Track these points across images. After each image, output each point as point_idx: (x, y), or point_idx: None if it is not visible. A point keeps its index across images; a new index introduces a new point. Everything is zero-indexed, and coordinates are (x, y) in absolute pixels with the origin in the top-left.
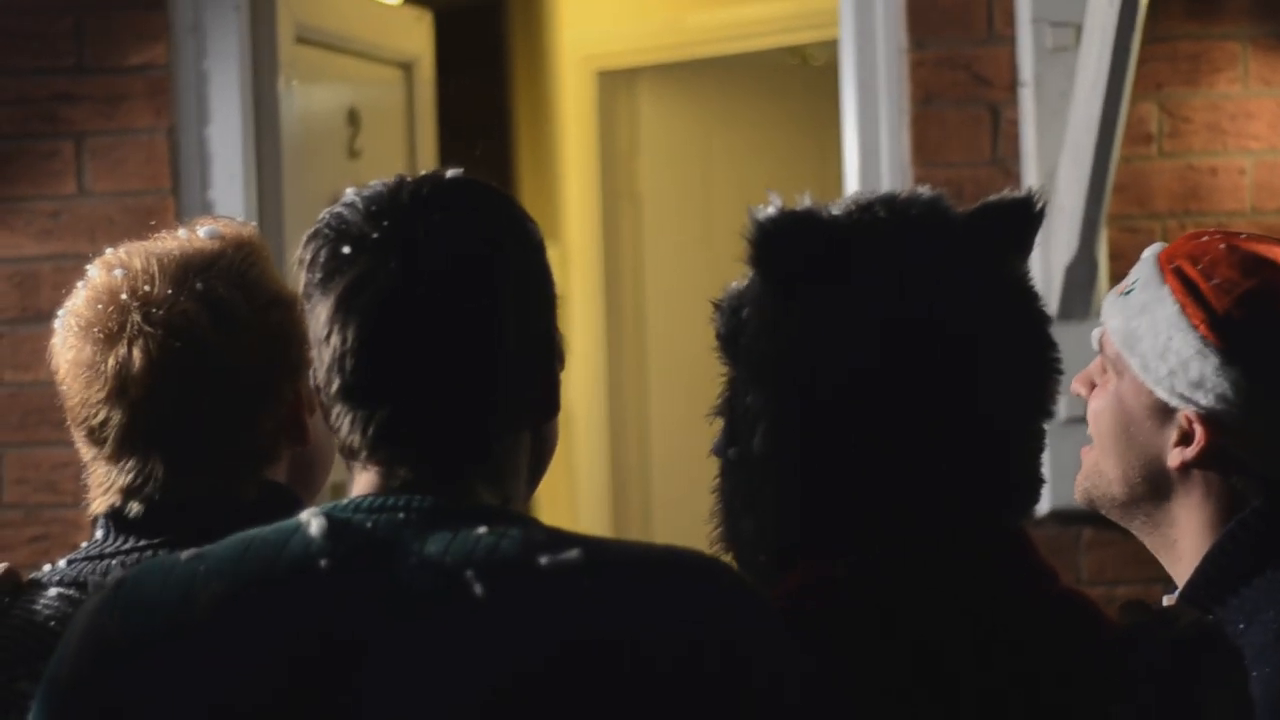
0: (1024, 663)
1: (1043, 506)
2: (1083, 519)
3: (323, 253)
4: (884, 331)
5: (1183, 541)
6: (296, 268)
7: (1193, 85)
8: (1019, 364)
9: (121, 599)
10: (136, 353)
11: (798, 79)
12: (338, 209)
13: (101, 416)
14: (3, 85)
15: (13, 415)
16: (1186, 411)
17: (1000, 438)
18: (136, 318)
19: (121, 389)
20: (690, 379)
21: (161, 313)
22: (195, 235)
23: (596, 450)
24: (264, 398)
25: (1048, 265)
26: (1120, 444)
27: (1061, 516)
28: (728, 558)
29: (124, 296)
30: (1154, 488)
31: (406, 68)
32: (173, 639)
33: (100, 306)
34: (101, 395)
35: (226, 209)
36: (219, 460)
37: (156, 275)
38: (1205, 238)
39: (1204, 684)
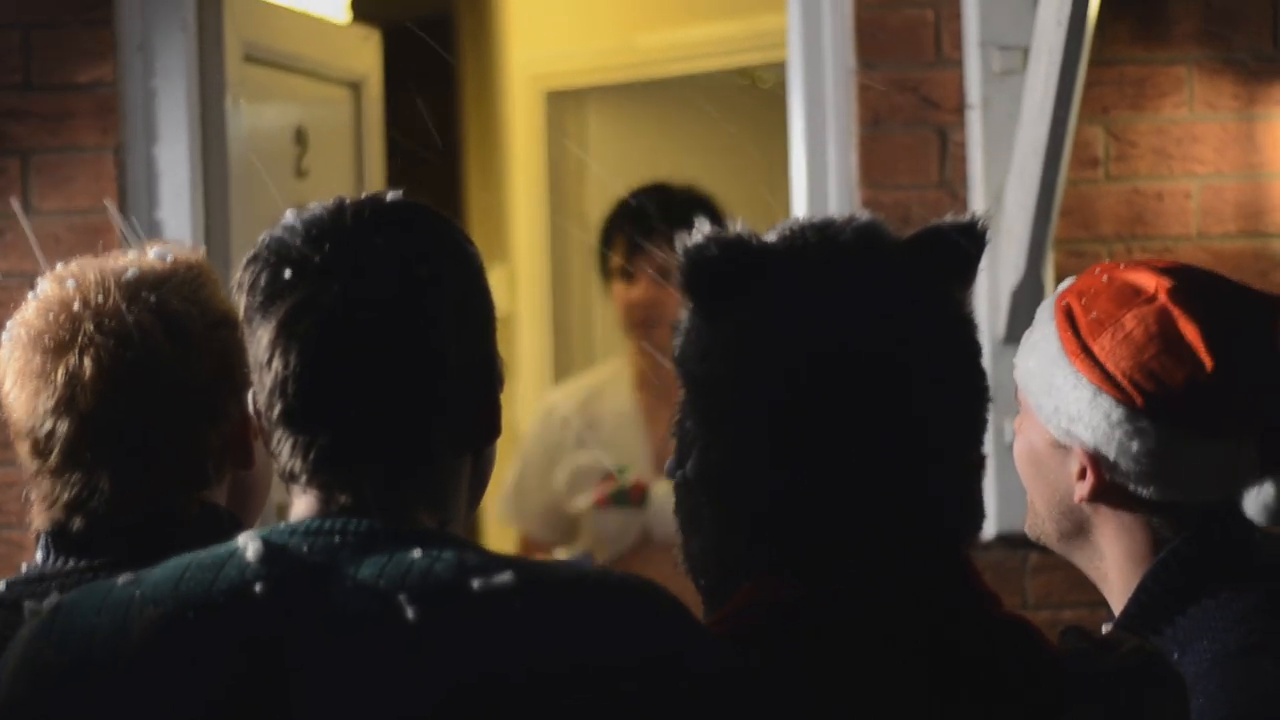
0: (970, 686)
1: (989, 531)
2: (1029, 544)
3: (263, 276)
4: (804, 358)
5: (1111, 575)
6: (236, 291)
7: (1139, 109)
8: (951, 392)
9: (58, 625)
10: (88, 361)
11: (747, 100)
12: (278, 232)
13: (48, 427)
14: None
15: None
16: (1076, 448)
17: (936, 464)
18: (89, 327)
19: (71, 399)
20: None
21: (114, 323)
22: (146, 255)
23: None
24: (212, 414)
25: (995, 288)
26: (1036, 483)
27: (1008, 540)
28: (688, 577)
29: (76, 307)
30: (1074, 524)
31: (354, 87)
32: (109, 665)
33: (51, 316)
34: (49, 405)
35: (174, 227)
36: (165, 476)
37: (109, 288)
38: (1097, 271)
39: (1147, 711)
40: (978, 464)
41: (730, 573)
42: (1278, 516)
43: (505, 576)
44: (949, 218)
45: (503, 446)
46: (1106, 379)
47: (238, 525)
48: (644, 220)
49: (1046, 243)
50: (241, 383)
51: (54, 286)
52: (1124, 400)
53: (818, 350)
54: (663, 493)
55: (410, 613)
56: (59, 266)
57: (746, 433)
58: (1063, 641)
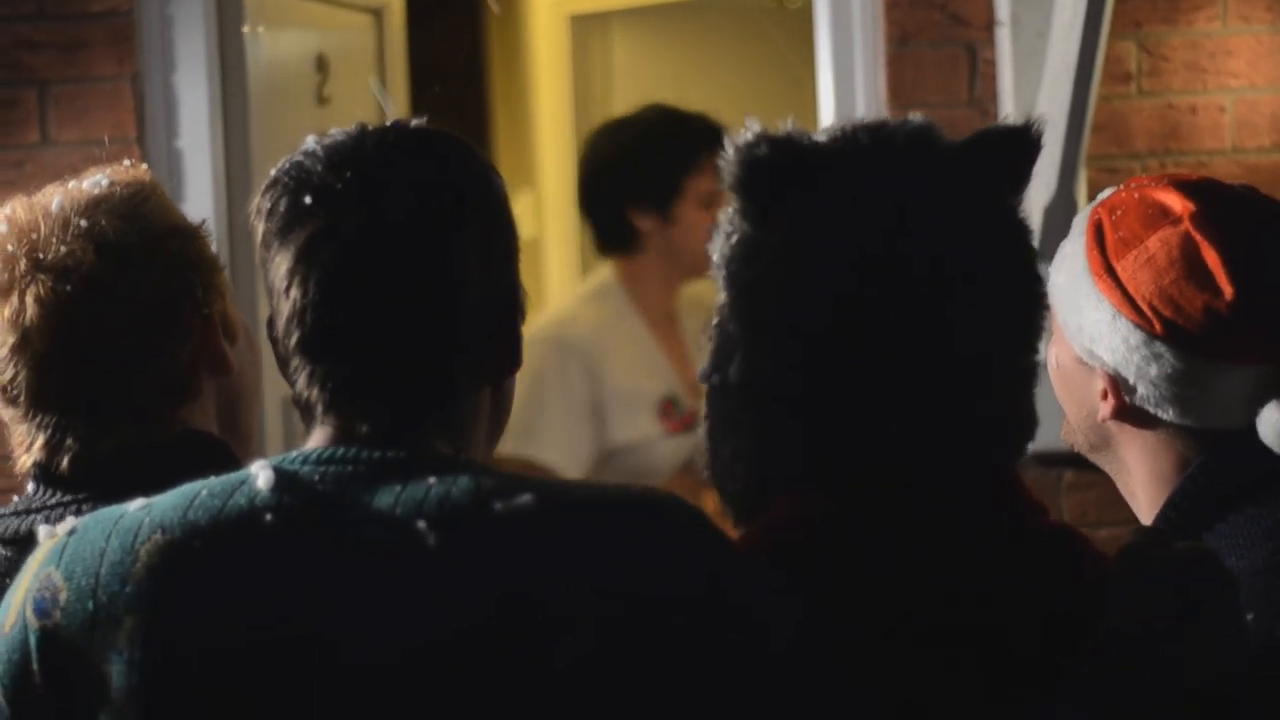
0: (1003, 599)
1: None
2: (1064, 461)
3: (282, 202)
4: (859, 259)
5: (1138, 491)
6: (254, 216)
7: (1171, 24)
8: (1003, 299)
9: (66, 551)
10: (29, 301)
11: (773, 22)
12: (298, 157)
13: (10, 373)
14: None
15: None
16: (1098, 368)
17: (984, 373)
18: (24, 265)
19: (23, 341)
20: None
21: (48, 257)
22: (81, 183)
23: None
24: (173, 329)
25: (1028, 205)
26: (1066, 398)
27: (1043, 459)
28: (714, 486)
29: (10, 248)
30: (1102, 439)
31: (376, 13)
32: (115, 593)
33: None
34: (4, 351)
35: (193, 157)
36: (136, 400)
37: (40, 222)
38: (1131, 185)
39: (1199, 601)
40: (1031, 370)
41: (762, 479)
42: None
43: (525, 498)
44: (1002, 122)
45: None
46: (1127, 301)
47: (226, 450)
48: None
49: (1078, 159)
50: (203, 292)
51: None
52: (1143, 325)
53: (870, 254)
54: None
55: (431, 538)
56: None
57: (793, 337)
58: (1127, 539)
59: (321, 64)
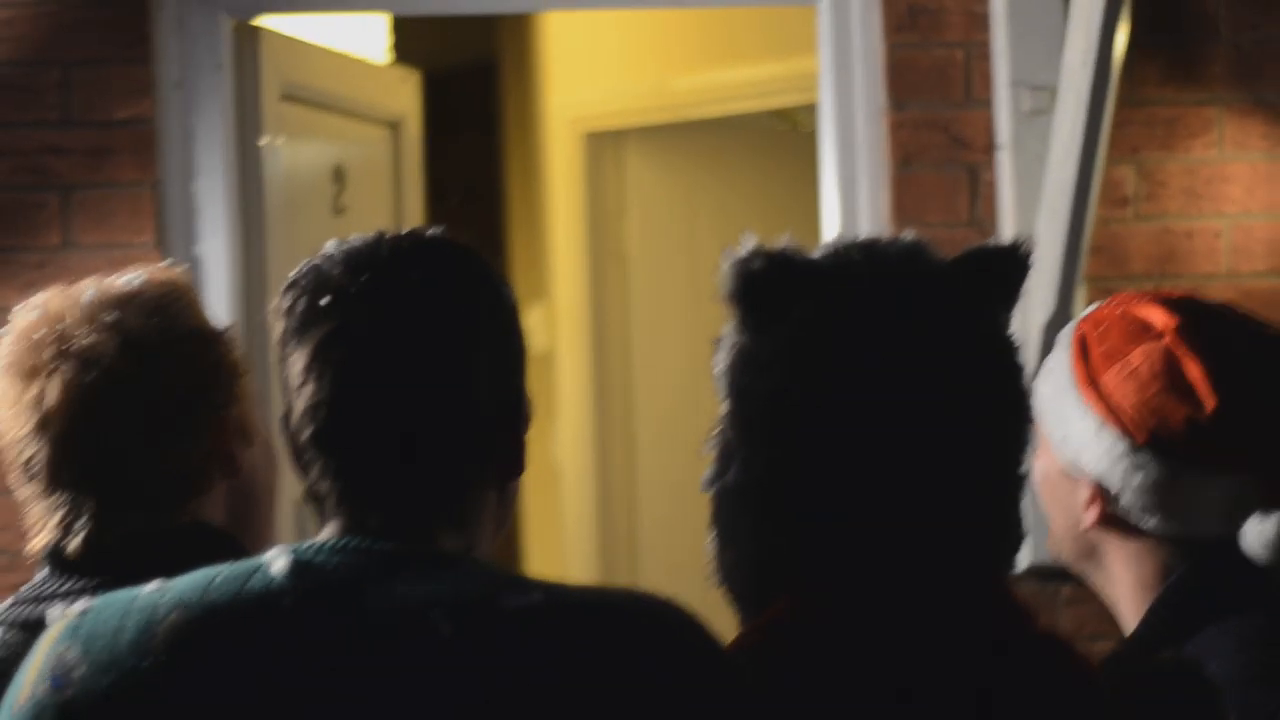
0: (1001, 705)
1: (1022, 562)
2: (1062, 576)
3: (300, 302)
4: (848, 375)
5: (1123, 601)
6: (273, 315)
7: (1169, 149)
8: (992, 414)
9: (84, 626)
10: (53, 386)
11: (785, 143)
12: (317, 260)
13: (30, 452)
14: None
15: None
16: (1083, 477)
17: (971, 484)
18: (52, 352)
19: (43, 423)
20: (677, 435)
21: (74, 347)
22: (116, 279)
23: (585, 506)
24: (188, 428)
25: (1025, 324)
26: (1051, 508)
27: (1041, 573)
28: (720, 589)
29: (41, 333)
30: (1086, 549)
31: (393, 126)
32: (132, 669)
33: (22, 345)
34: (27, 430)
35: (212, 263)
36: (148, 489)
37: (70, 313)
38: (1114, 302)
39: (1183, 713)
40: (1017, 483)
41: (764, 583)
42: (1277, 551)
43: (535, 595)
44: (992, 241)
45: (542, 484)
46: (1111, 413)
47: (229, 538)
48: None
49: (1076, 279)
50: (219, 396)
51: (24, 315)
52: (1127, 435)
53: (861, 368)
54: None
55: (445, 628)
56: (33, 297)
57: (789, 446)
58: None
59: (339, 175)
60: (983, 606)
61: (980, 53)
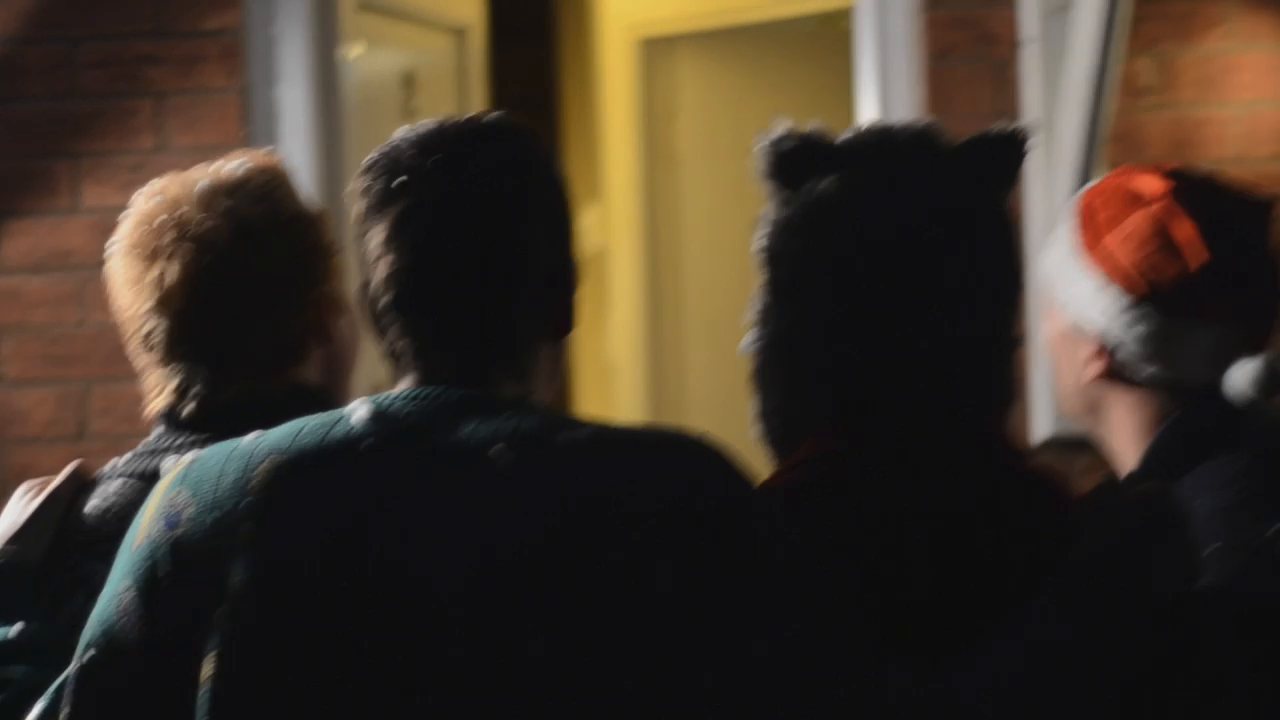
0: (984, 533)
1: (1042, 433)
2: (1080, 447)
3: (378, 182)
4: (861, 242)
5: (1123, 446)
6: (351, 198)
7: (1184, 41)
8: (987, 277)
9: (191, 473)
10: (172, 268)
11: (829, 47)
12: (389, 146)
13: (149, 326)
14: (91, 48)
15: (98, 353)
16: (1086, 334)
17: (968, 342)
18: (172, 235)
19: (164, 301)
20: (726, 329)
21: (191, 231)
22: (223, 165)
23: (636, 398)
24: (291, 302)
25: (1050, 209)
26: (1060, 367)
27: (1060, 444)
28: (758, 435)
29: (162, 219)
30: (1090, 402)
31: (459, 34)
32: (233, 504)
33: (143, 229)
34: (148, 307)
35: (294, 163)
36: (255, 357)
37: (189, 199)
38: (1113, 176)
39: (1160, 526)
40: (1013, 343)
41: (792, 430)
42: (1263, 389)
43: (584, 431)
44: (997, 125)
45: (596, 378)
46: (1112, 272)
47: (325, 397)
48: None
49: (1095, 166)
50: (318, 272)
51: (145, 201)
52: (1126, 291)
53: (873, 236)
54: None
55: (505, 459)
56: (151, 183)
57: (811, 303)
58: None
59: (409, 80)
60: (979, 445)
61: None
